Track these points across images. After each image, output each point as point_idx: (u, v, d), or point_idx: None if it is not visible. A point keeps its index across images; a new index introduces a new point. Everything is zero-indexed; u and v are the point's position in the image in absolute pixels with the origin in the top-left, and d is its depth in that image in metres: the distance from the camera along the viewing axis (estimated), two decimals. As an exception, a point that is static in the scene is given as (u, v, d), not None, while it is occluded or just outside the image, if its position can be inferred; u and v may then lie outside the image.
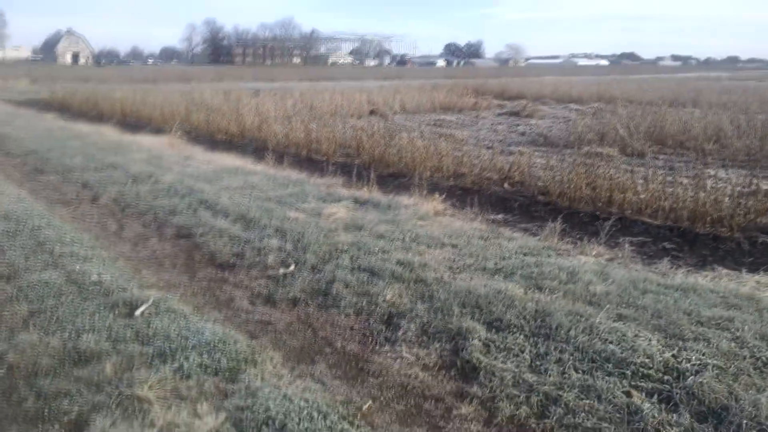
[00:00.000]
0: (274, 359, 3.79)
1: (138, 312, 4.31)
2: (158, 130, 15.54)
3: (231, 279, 5.29)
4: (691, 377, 3.35)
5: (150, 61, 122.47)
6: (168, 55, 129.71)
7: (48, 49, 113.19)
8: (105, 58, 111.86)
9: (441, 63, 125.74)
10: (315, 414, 3.08)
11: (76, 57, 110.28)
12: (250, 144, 13.37)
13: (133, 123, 17.79)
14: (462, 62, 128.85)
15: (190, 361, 3.62)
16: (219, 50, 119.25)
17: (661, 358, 3.54)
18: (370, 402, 3.36)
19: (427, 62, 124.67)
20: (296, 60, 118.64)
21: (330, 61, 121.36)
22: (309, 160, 11.43)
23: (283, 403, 3.17)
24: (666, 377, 3.38)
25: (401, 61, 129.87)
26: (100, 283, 4.86)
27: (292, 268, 5.34)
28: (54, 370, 3.55)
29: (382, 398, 3.45)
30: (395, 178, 9.55)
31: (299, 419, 3.02)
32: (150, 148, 12.33)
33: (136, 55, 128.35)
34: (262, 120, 14.66)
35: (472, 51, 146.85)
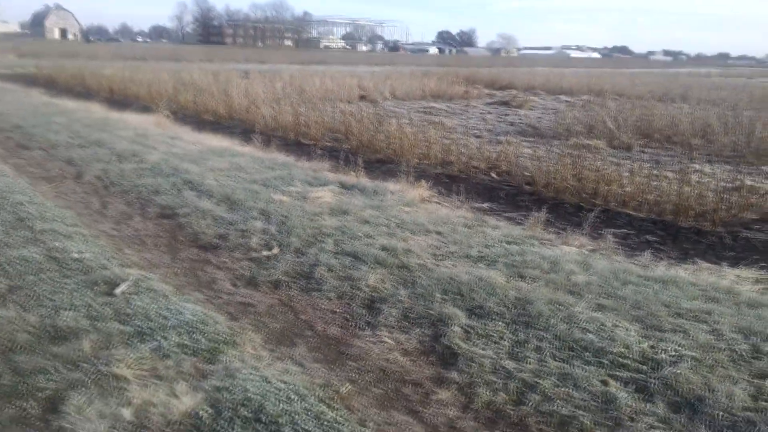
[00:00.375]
0: (254, 341, 3.78)
1: (118, 290, 4.28)
2: (145, 109, 15.38)
3: (213, 260, 5.26)
4: (667, 368, 3.38)
5: (139, 39, 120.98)
6: (158, 33, 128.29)
7: (36, 24, 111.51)
8: (94, 35, 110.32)
9: (433, 50, 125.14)
10: (293, 396, 3.08)
11: (64, 33, 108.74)
12: (237, 126, 13.27)
13: (120, 100, 17.60)
14: (454, 50, 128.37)
15: (169, 340, 3.61)
16: (210, 30, 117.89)
17: (638, 348, 3.57)
18: (349, 385, 3.36)
19: (420, 49, 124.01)
20: (288, 42, 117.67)
21: (322, 44, 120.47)
22: (297, 144, 11.37)
23: (262, 384, 3.17)
24: (643, 367, 3.41)
25: (393, 47, 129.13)
26: (81, 261, 4.81)
27: (275, 250, 5.32)
28: (31, 347, 3.52)
29: (361, 382, 3.45)
30: (383, 164, 9.52)
31: (277, 401, 3.02)
32: (136, 127, 12.20)
33: (125, 32, 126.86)
34: (251, 102, 14.54)
35: (465, 39, 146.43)
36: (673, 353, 3.52)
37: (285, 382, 3.21)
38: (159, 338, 3.63)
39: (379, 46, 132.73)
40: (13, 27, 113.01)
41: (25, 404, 3.01)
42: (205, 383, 3.20)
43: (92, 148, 9.77)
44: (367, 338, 3.93)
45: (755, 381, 3.28)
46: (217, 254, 5.39)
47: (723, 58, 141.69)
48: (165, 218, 6.37)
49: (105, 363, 3.33)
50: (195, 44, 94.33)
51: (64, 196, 7.20)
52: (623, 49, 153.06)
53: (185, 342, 3.61)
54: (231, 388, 3.12)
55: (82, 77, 21.63)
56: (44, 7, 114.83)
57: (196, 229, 5.91)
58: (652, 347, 3.60)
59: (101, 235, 5.79)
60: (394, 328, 4.02)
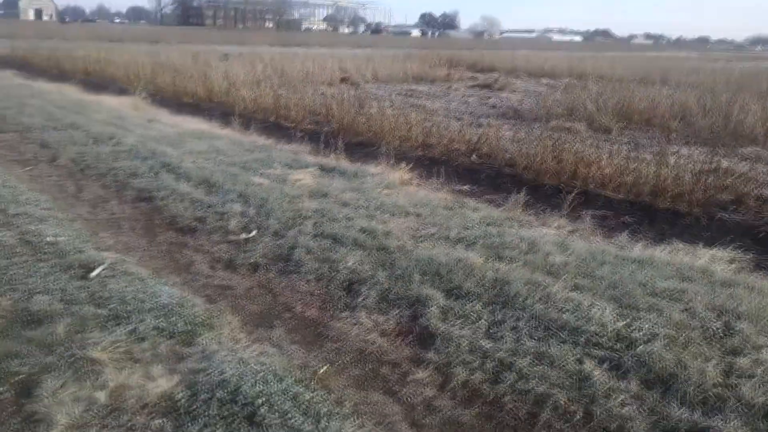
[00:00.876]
0: (232, 323, 3.76)
1: (93, 274, 4.23)
2: (122, 91, 15.15)
3: (191, 243, 5.21)
4: (641, 346, 3.42)
5: (117, 20, 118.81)
6: (136, 14, 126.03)
7: (10, 4, 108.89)
8: (70, 16, 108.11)
9: (416, 33, 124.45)
10: (270, 377, 3.07)
11: (39, 13, 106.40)
12: (217, 108, 13.12)
13: (96, 83, 17.30)
14: (437, 33, 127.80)
15: (145, 323, 3.58)
16: (189, 11, 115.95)
17: (613, 327, 3.61)
18: (327, 366, 3.36)
19: (402, 32, 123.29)
20: (269, 25, 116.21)
21: (303, 26, 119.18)
22: (277, 127, 11.28)
23: (239, 366, 3.15)
24: (617, 346, 3.45)
25: (376, 29, 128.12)
26: (56, 245, 4.74)
27: (254, 233, 5.29)
28: (4, 331, 3.48)
29: (339, 363, 3.45)
30: (363, 147, 9.48)
31: (254, 382, 3.01)
32: (113, 109, 12.02)
33: (102, 13, 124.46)
34: (230, 84, 14.38)
35: (448, 22, 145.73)
36: (648, 332, 3.57)
37: (262, 364, 3.20)
38: (135, 321, 3.59)
39: (362, 28, 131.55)
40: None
41: (-3, 388, 2.98)
42: (182, 366, 3.19)
43: (67, 130, 9.61)
44: (346, 320, 3.93)
45: (727, 358, 3.34)
46: (195, 237, 5.34)
47: (703, 42, 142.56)
48: (142, 201, 6.30)
49: (80, 347, 3.29)
50: (174, 26, 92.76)
51: (39, 180, 7.09)
52: (605, 33, 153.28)
53: (162, 325, 3.58)
54: (208, 370, 3.11)
55: (57, 59, 21.23)
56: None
57: (174, 213, 5.85)
58: (627, 326, 3.64)
59: (76, 218, 5.71)
60: (372, 309, 4.02)
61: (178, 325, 3.61)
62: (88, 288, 4.01)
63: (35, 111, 11.36)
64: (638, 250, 5.10)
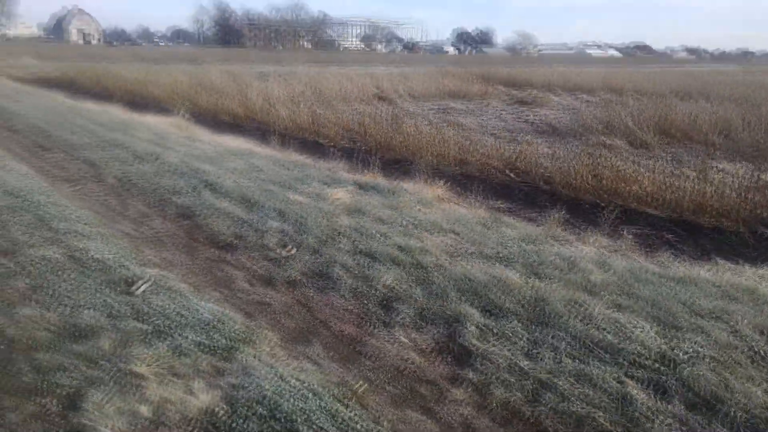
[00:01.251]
0: (271, 339, 3.80)
1: (137, 290, 4.33)
2: (164, 111, 15.55)
3: (231, 260, 5.30)
4: (685, 367, 3.34)
5: (160, 42, 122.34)
6: (178, 36, 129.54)
7: (57, 27, 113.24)
8: (115, 39, 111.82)
9: (451, 50, 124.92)
10: (308, 394, 3.10)
11: (85, 36, 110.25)
12: (255, 127, 13.37)
13: (139, 103, 17.80)
14: (473, 50, 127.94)
15: (186, 339, 3.65)
16: (229, 32, 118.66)
17: (656, 348, 3.53)
18: (364, 384, 3.37)
19: (437, 49, 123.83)
20: (306, 44, 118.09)
21: (340, 45, 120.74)
22: (314, 144, 11.42)
23: (278, 382, 3.19)
24: (660, 367, 3.38)
25: (411, 47, 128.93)
26: (101, 261, 4.87)
27: (292, 250, 5.35)
28: (52, 345, 3.58)
29: (376, 380, 3.46)
30: (399, 164, 9.53)
31: (292, 399, 3.04)
32: (155, 128, 12.34)
33: (145, 35, 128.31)
34: (269, 103, 14.64)
35: (483, 38, 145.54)
36: (692, 352, 3.49)
37: (300, 381, 3.23)
38: (177, 336, 3.67)
39: (397, 46, 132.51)
40: (32, 30, 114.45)
41: (45, 401, 3.07)
42: (222, 381, 3.24)
43: (112, 149, 9.90)
44: (383, 337, 3.93)
45: (776, 381, 3.24)
46: (234, 254, 5.43)
47: (745, 55, 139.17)
48: (184, 218, 6.43)
49: (124, 361, 3.37)
50: (214, 46, 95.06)
51: (85, 197, 7.31)
52: (644, 47, 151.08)
53: (203, 340, 3.65)
54: (247, 386, 3.15)
55: (102, 80, 21.93)
56: (62, 9, 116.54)
57: (214, 230, 5.97)
58: (670, 346, 3.56)
59: (121, 235, 5.86)
60: (409, 327, 4.02)
61: (219, 340, 3.67)
62: (132, 303, 4.11)
63: (81, 130, 11.74)
64: (681, 268, 5.00)
